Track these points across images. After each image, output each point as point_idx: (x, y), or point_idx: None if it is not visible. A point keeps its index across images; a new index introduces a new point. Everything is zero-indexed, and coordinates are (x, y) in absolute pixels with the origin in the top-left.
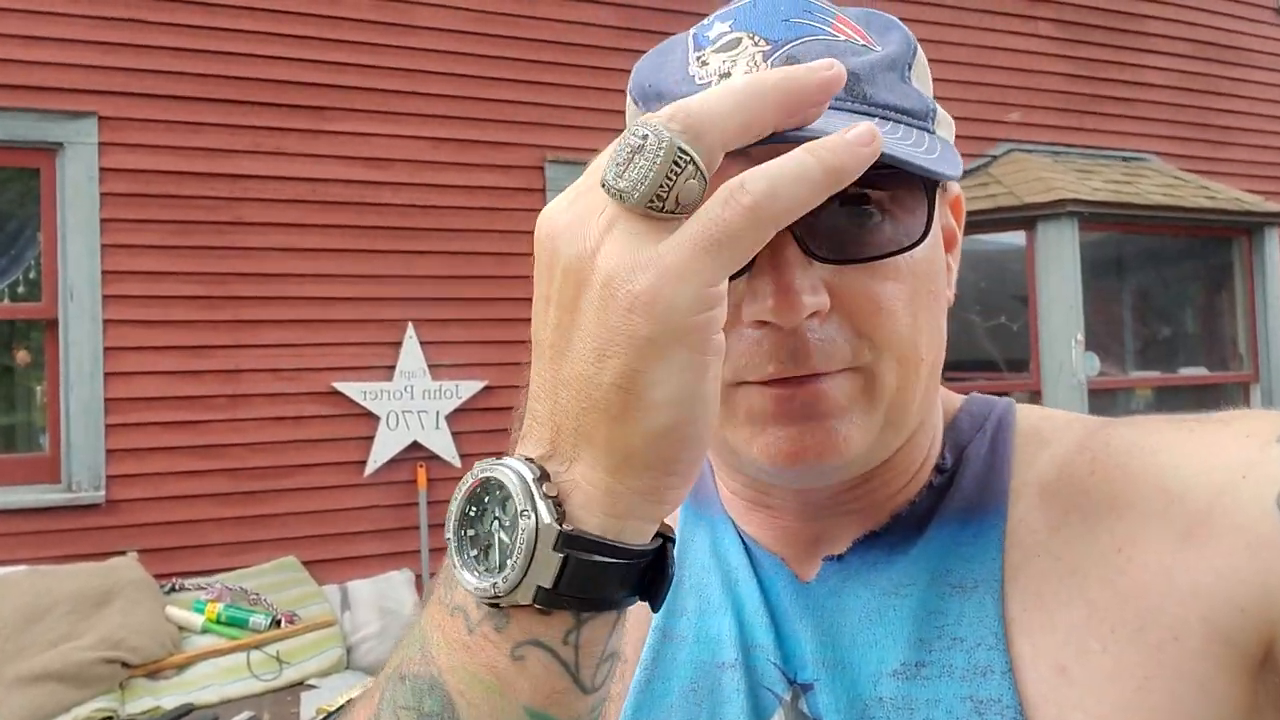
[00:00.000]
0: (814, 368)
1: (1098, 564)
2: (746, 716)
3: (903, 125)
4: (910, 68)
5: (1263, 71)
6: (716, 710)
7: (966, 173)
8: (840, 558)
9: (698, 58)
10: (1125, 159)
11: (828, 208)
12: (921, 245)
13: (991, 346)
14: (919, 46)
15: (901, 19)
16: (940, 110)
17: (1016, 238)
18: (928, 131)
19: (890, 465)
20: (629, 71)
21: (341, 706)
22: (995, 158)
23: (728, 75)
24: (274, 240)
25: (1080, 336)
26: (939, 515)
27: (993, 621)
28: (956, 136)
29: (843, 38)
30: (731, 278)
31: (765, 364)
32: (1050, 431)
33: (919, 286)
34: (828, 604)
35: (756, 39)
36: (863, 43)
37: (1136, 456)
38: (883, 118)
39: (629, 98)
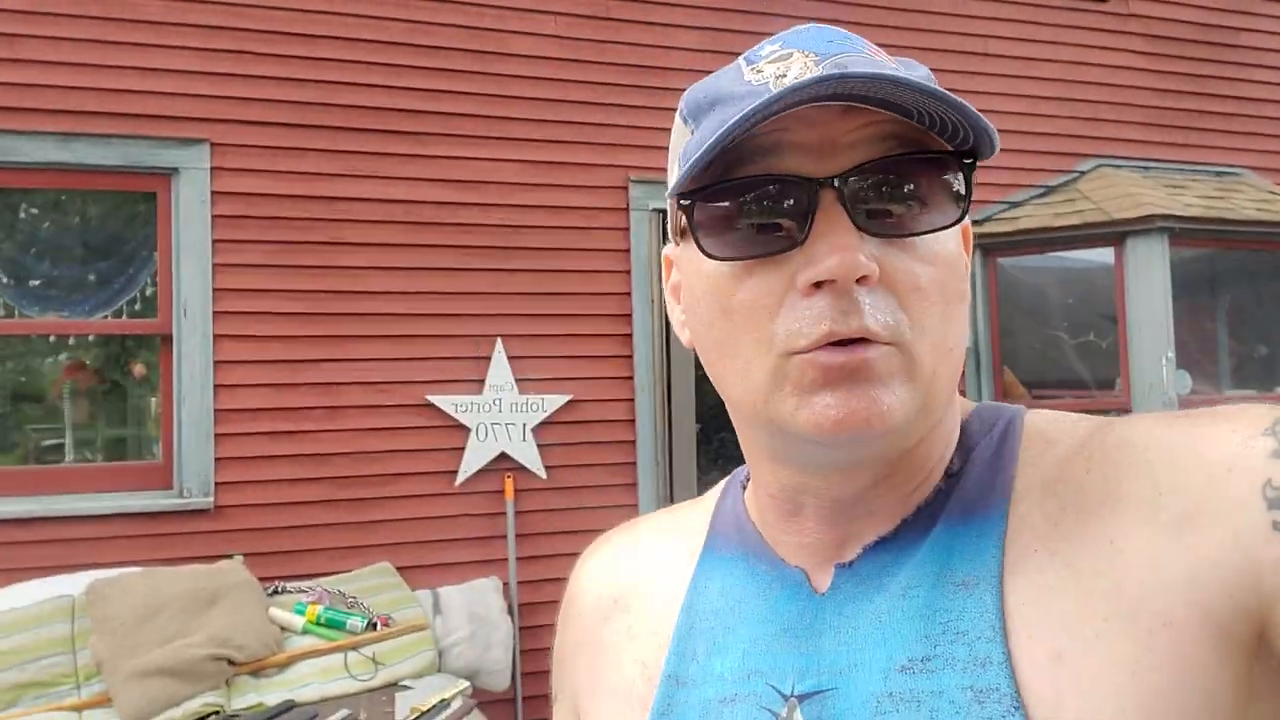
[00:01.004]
0: (863, 326)
1: (1091, 556)
2: None
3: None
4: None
5: None
6: None
7: (1053, 189)
8: (851, 565)
9: (752, 68)
10: (1218, 174)
11: (876, 184)
12: (952, 232)
13: (1080, 364)
14: None
15: (988, 36)
16: None
17: (1104, 254)
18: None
19: (912, 457)
20: None
21: (435, 706)
22: (1083, 173)
23: (783, 77)
24: (370, 259)
25: (1171, 354)
26: (944, 516)
27: (991, 615)
28: (1045, 153)
29: (874, 55)
30: (784, 250)
31: (817, 325)
32: (1056, 433)
33: (950, 275)
34: (843, 610)
35: (806, 53)
36: (893, 60)
37: (1128, 453)
38: (936, 95)
39: (677, 119)
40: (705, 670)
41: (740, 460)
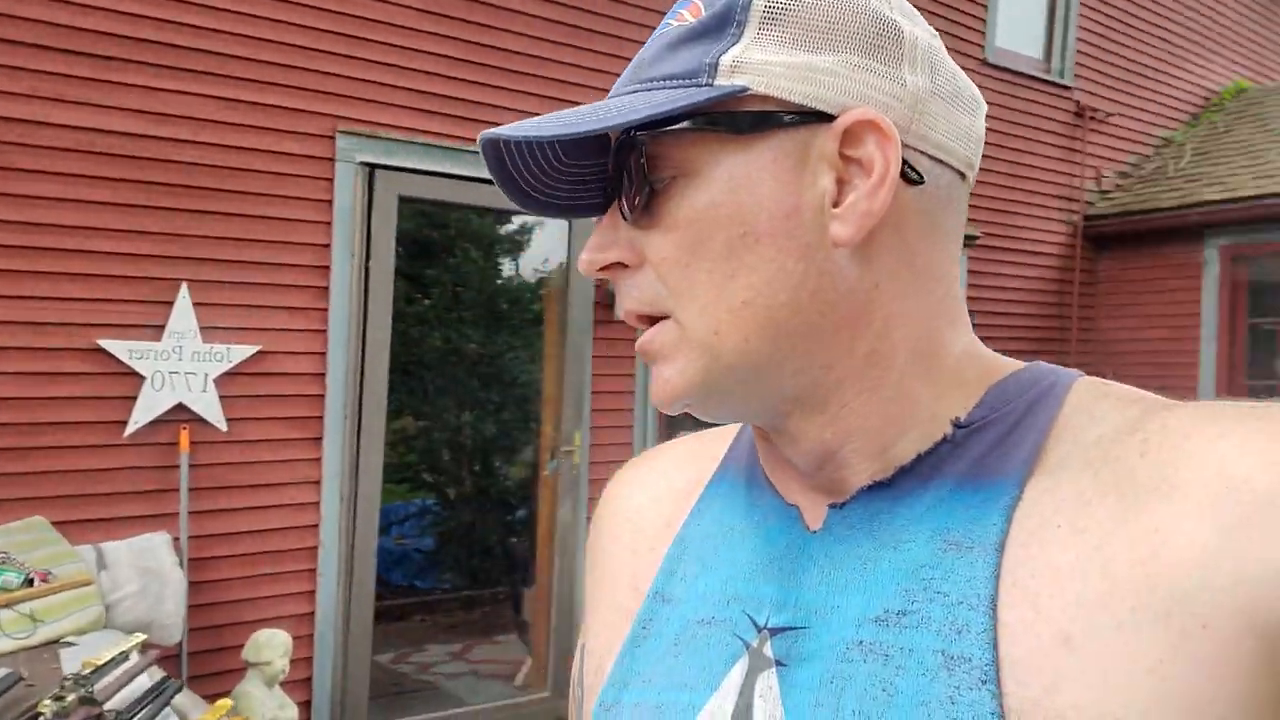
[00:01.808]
0: (628, 310)
1: (1129, 543)
2: (716, 665)
3: (656, 90)
4: (740, 22)
5: None
6: (691, 662)
7: None
8: (842, 506)
9: None
10: None
11: (616, 177)
12: (696, 190)
13: None
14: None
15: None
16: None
17: None
18: (695, 84)
19: (811, 408)
20: (428, 53)
21: (112, 659)
22: None
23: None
24: (45, 188)
25: None
26: (948, 471)
27: (981, 583)
28: None
29: (675, 23)
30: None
31: (618, 309)
32: (1105, 409)
33: (709, 232)
34: (831, 551)
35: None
36: (690, 21)
37: (1195, 440)
38: (647, 89)
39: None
40: (689, 590)
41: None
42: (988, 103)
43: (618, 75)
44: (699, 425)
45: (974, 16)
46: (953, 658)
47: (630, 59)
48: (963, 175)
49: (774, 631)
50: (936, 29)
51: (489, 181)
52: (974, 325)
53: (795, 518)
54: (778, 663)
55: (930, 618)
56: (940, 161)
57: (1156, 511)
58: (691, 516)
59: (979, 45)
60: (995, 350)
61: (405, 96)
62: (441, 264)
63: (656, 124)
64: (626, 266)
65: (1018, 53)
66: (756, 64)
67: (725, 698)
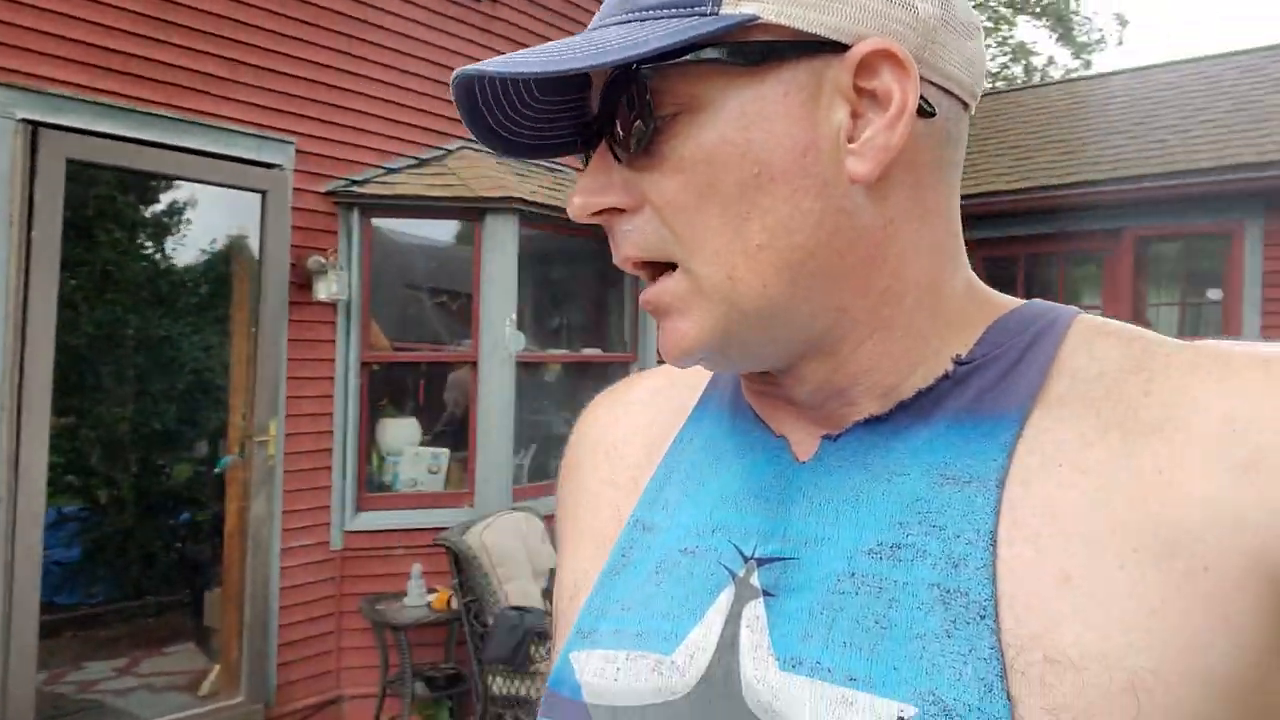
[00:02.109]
0: (628, 256)
1: (1131, 483)
2: (699, 595)
3: (654, 20)
4: None
5: None
6: (673, 591)
7: (425, 161)
8: (837, 438)
9: None
10: (550, 170)
11: (610, 115)
12: (703, 129)
13: (438, 321)
14: None
15: (366, 20)
16: None
17: (454, 226)
18: (699, 14)
19: (825, 351)
20: (105, 2)
21: None
22: (450, 151)
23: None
24: None
25: (513, 317)
26: (949, 406)
27: (980, 518)
28: (419, 127)
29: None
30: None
31: (615, 256)
32: (1107, 346)
33: (722, 175)
34: (821, 483)
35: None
36: None
37: (1200, 381)
38: (641, 19)
39: None
40: (672, 519)
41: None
42: None
43: (318, 45)
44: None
45: None
46: (949, 591)
47: (332, 30)
48: (966, 105)
49: (761, 561)
50: None
51: (175, 148)
52: None
53: (783, 448)
54: (765, 593)
55: (926, 551)
56: (948, 92)
57: (1160, 452)
58: (674, 445)
59: None
60: None
61: (78, 50)
62: (108, 239)
63: (662, 57)
64: (623, 211)
65: None
66: None
67: (709, 628)
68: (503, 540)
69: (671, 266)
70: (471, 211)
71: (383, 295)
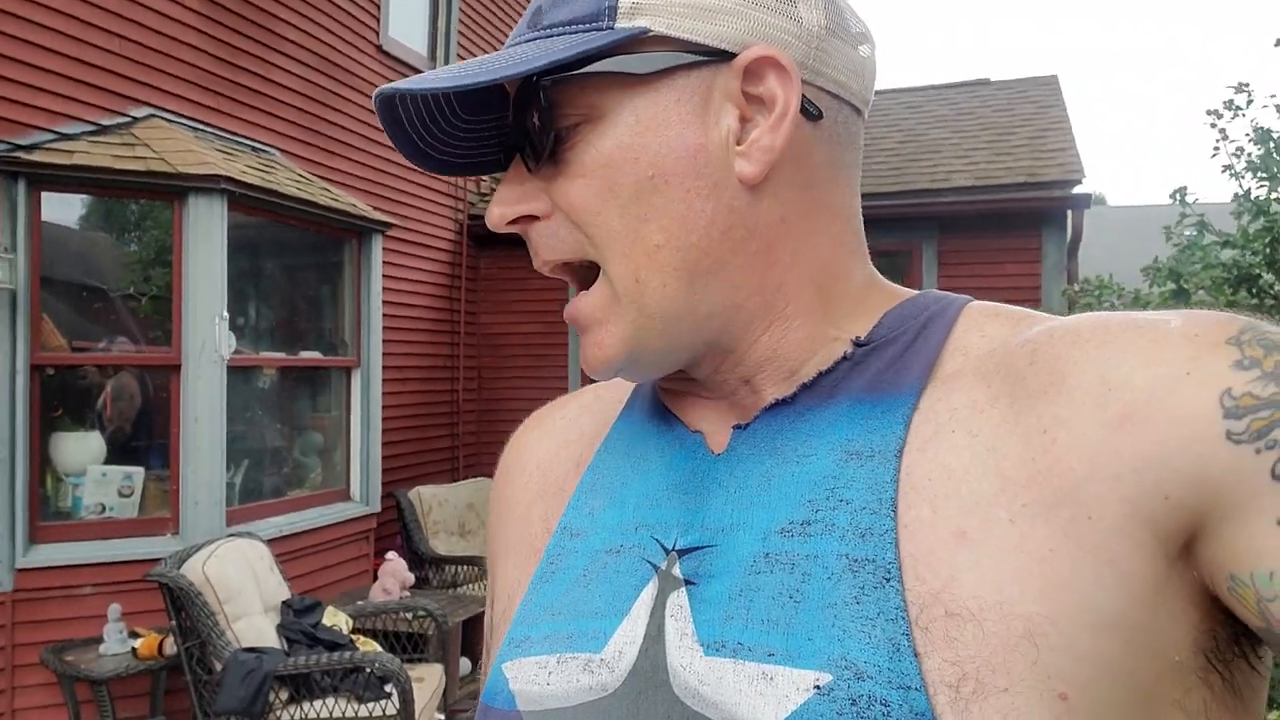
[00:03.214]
0: (546, 260)
1: (1019, 443)
2: (625, 591)
3: (555, 36)
4: None
5: (368, 99)
6: (601, 590)
7: (106, 128)
8: (746, 427)
9: None
10: (254, 149)
11: (516, 129)
12: (619, 124)
13: (129, 317)
14: None
15: None
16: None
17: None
18: (596, 29)
19: (726, 346)
20: None
21: None
22: (137, 119)
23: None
24: None
25: (224, 314)
26: (849, 387)
27: (883, 488)
28: (98, 88)
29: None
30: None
31: (536, 261)
32: (995, 326)
33: (617, 175)
34: (735, 471)
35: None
36: None
37: (1079, 348)
38: (546, 36)
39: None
40: (597, 522)
41: None
42: None
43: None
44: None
45: (370, 0)
46: (857, 560)
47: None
48: (858, 110)
49: (682, 553)
50: (330, 9)
51: None
52: (385, 315)
53: (699, 443)
54: (687, 582)
55: (834, 525)
56: (838, 97)
57: (1044, 413)
58: (598, 454)
59: (375, 31)
60: (400, 339)
61: None
62: None
63: (558, 70)
64: (537, 218)
65: (408, 45)
66: (655, 4)
67: (636, 621)
68: (229, 572)
69: (593, 275)
70: (171, 191)
71: (56, 285)
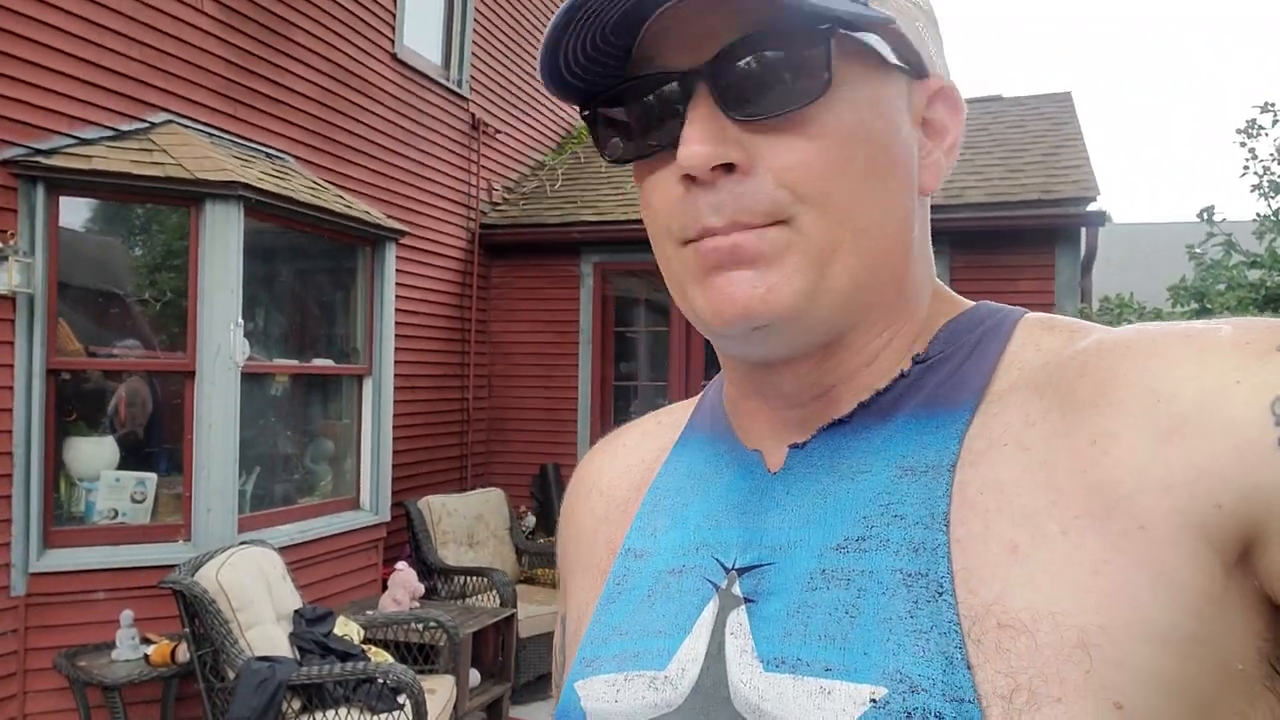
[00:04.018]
0: (733, 217)
1: (1070, 456)
2: (688, 610)
3: None
4: None
5: (382, 106)
6: (665, 610)
7: (125, 134)
8: (804, 445)
9: None
10: (270, 155)
11: (741, 69)
12: (872, 100)
13: (145, 323)
14: None
15: None
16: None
17: (166, 212)
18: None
19: (845, 344)
20: None
21: None
22: (155, 125)
23: None
24: None
25: (239, 320)
26: (907, 404)
27: (936, 502)
28: (116, 93)
29: None
30: (667, 146)
31: (697, 220)
32: (1050, 340)
33: (853, 149)
34: (792, 489)
35: None
36: None
37: (1128, 359)
38: None
39: None
40: (659, 543)
41: None
42: (396, 99)
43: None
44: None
45: (385, 9)
46: (910, 574)
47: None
48: None
49: (741, 571)
50: (346, 17)
51: None
52: (396, 323)
53: (757, 462)
54: (746, 600)
55: (889, 540)
56: None
57: (1094, 425)
58: (659, 477)
59: (389, 40)
60: (411, 348)
61: None
62: None
63: (839, 23)
64: (734, 169)
65: (422, 55)
66: (897, 2)
67: (698, 639)
68: (242, 580)
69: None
70: (188, 197)
71: (74, 289)
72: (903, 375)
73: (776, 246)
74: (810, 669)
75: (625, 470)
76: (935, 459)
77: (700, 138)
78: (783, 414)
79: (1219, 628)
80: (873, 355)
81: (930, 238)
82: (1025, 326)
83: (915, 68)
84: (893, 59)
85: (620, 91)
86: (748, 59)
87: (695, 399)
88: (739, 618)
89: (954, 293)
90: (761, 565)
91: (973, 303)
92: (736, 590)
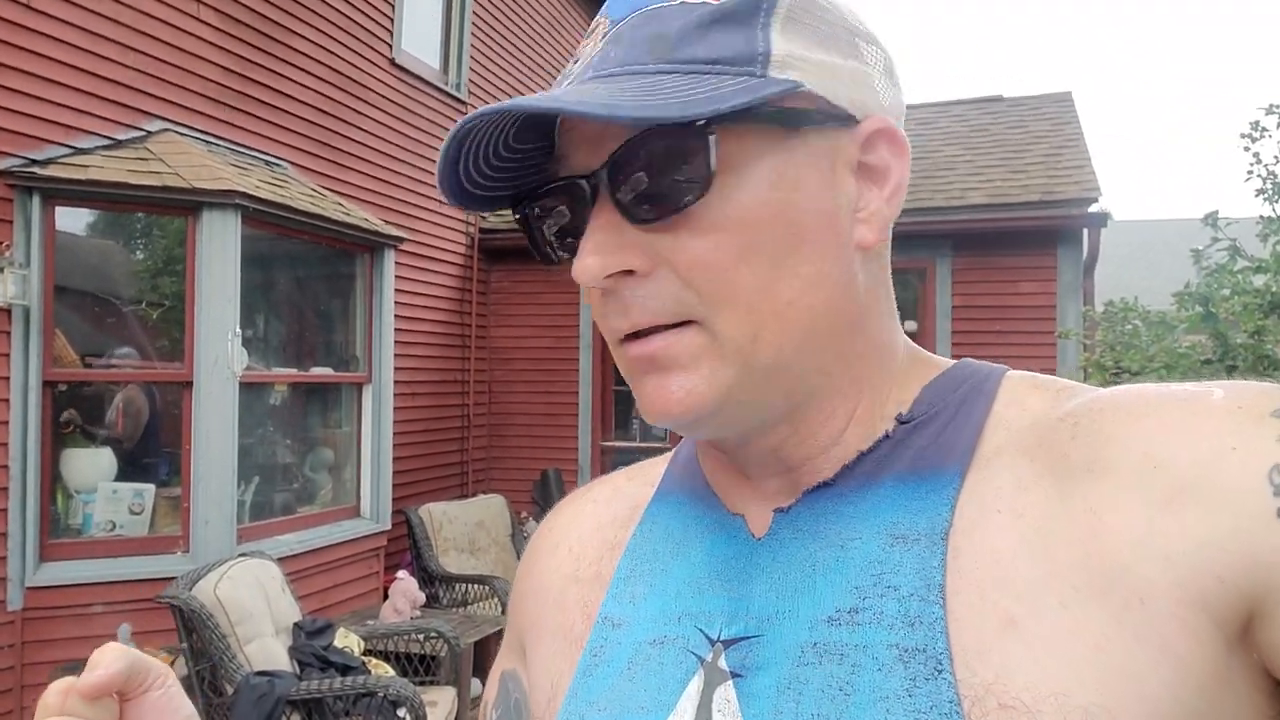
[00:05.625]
0: (638, 322)
1: (1066, 524)
2: (670, 685)
3: (703, 75)
4: (767, 13)
5: (380, 112)
6: (646, 684)
7: (121, 143)
8: (788, 510)
9: (582, 47)
10: (266, 162)
11: (632, 168)
12: (761, 180)
13: (141, 333)
14: None
15: None
16: (815, 55)
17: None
18: (749, 74)
19: (805, 415)
20: None
21: None
22: (151, 133)
23: (571, 72)
24: None
25: (237, 330)
26: (893, 467)
27: (930, 573)
28: (112, 101)
29: (679, 1)
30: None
31: (614, 323)
32: (1036, 399)
33: (755, 234)
34: (778, 556)
35: (607, 20)
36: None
37: (1121, 422)
38: (688, 73)
39: None
40: (638, 612)
41: None
42: (395, 104)
43: None
44: None
45: (383, 14)
46: (907, 650)
47: None
48: None
49: (727, 643)
50: (344, 23)
51: None
52: (396, 330)
53: (740, 527)
54: (733, 674)
55: (883, 613)
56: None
57: (1089, 493)
58: (634, 538)
59: (388, 45)
60: (410, 354)
61: None
62: None
63: (719, 118)
64: (633, 274)
65: (420, 59)
66: (802, 60)
67: (682, 716)
68: (241, 594)
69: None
70: (186, 206)
71: (69, 299)
72: (887, 436)
73: (692, 351)
74: None
75: (597, 527)
76: (928, 526)
77: (593, 248)
78: (761, 484)
79: (1225, 704)
80: (844, 419)
81: (891, 291)
82: (1009, 385)
83: (840, 119)
84: (800, 123)
85: (542, 193)
86: (634, 162)
87: (665, 456)
88: (726, 693)
89: (926, 351)
90: (749, 637)
91: (952, 361)
92: (723, 664)
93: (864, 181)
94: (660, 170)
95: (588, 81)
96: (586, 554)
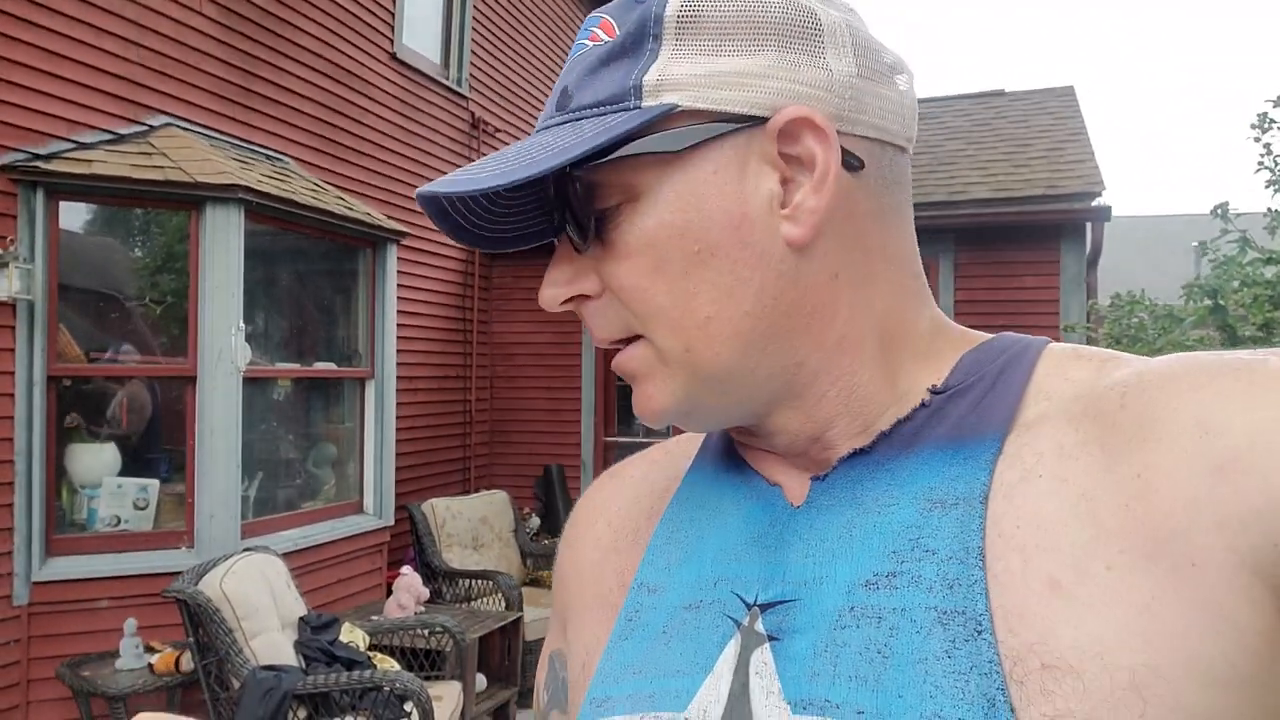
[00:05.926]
0: (601, 337)
1: (1112, 489)
2: (707, 648)
3: (584, 119)
4: (656, 38)
5: (382, 107)
6: (682, 648)
7: (124, 137)
8: (825, 478)
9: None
10: (269, 157)
11: (567, 210)
12: (661, 204)
13: (145, 327)
14: (676, 3)
15: None
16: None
17: (166, 216)
18: (624, 109)
19: (803, 399)
20: None
21: None
22: (154, 128)
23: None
24: None
25: (241, 325)
26: (930, 435)
27: (969, 537)
28: (114, 96)
29: (590, 44)
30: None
31: (596, 335)
32: (1079, 369)
33: (663, 252)
34: (815, 523)
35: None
36: (605, 40)
37: (1172, 391)
38: (575, 120)
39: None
40: (675, 578)
41: None
42: (396, 99)
43: None
44: None
45: (384, 9)
46: (946, 612)
47: None
48: (902, 149)
49: (764, 607)
50: (345, 17)
51: None
52: (398, 325)
53: (777, 495)
54: (770, 637)
55: (921, 576)
56: (879, 141)
57: (1138, 458)
58: (671, 507)
59: (389, 39)
60: (412, 349)
61: None
62: None
63: (592, 158)
64: (589, 297)
65: (422, 54)
66: (680, 78)
67: (720, 679)
68: (247, 588)
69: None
70: (189, 200)
71: (72, 294)
72: (923, 405)
73: (647, 362)
74: (841, 712)
75: (635, 499)
76: (966, 491)
77: (548, 280)
78: (792, 458)
79: (1277, 669)
80: (841, 401)
81: (891, 273)
82: (1050, 355)
83: (741, 120)
84: (687, 142)
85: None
86: (559, 201)
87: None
88: (763, 656)
89: (964, 327)
90: (786, 601)
91: (990, 335)
92: (760, 627)
93: (797, 174)
94: (579, 206)
95: (535, 134)
96: (625, 526)
